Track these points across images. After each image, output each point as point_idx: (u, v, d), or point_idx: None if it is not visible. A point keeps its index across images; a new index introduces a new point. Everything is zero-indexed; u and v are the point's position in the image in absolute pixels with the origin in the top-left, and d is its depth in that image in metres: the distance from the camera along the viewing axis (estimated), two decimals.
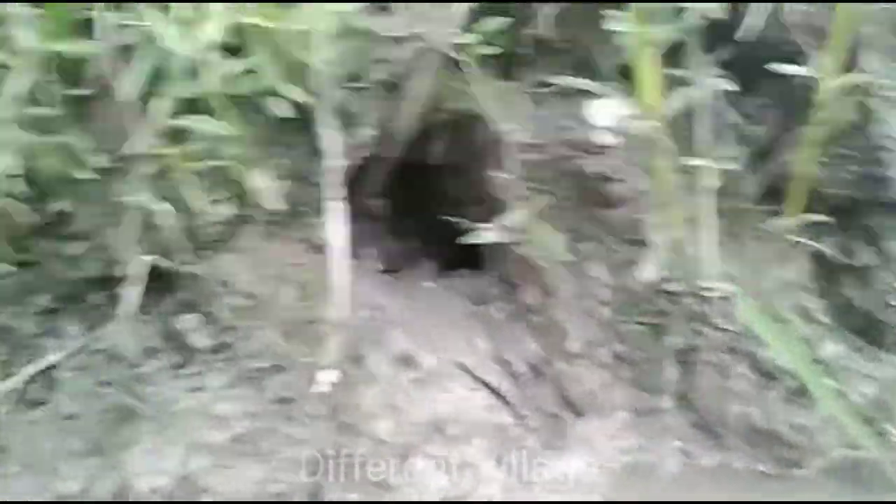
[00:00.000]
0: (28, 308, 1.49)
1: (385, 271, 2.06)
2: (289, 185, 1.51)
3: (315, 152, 1.55)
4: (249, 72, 1.24)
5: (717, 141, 1.63)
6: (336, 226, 1.31)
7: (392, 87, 1.53)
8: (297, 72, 1.27)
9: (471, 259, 2.06)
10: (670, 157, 1.36)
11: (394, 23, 1.46)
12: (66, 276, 1.45)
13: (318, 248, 1.60)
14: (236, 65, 1.20)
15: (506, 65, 1.66)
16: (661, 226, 1.61)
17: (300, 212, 1.58)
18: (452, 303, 1.97)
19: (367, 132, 1.52)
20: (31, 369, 1.33)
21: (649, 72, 1.16)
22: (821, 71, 1.21)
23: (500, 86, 1.66)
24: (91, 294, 1.49)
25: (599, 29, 1.59)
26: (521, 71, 1.67)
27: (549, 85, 1.66)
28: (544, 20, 1.47)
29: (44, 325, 1.51)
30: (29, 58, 1.15)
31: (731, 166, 1.53)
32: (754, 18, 1.33)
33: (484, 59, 1.53)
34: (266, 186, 1.32)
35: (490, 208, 1.91)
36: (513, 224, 1.44)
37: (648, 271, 1.34)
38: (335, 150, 1.33)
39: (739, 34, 1.36)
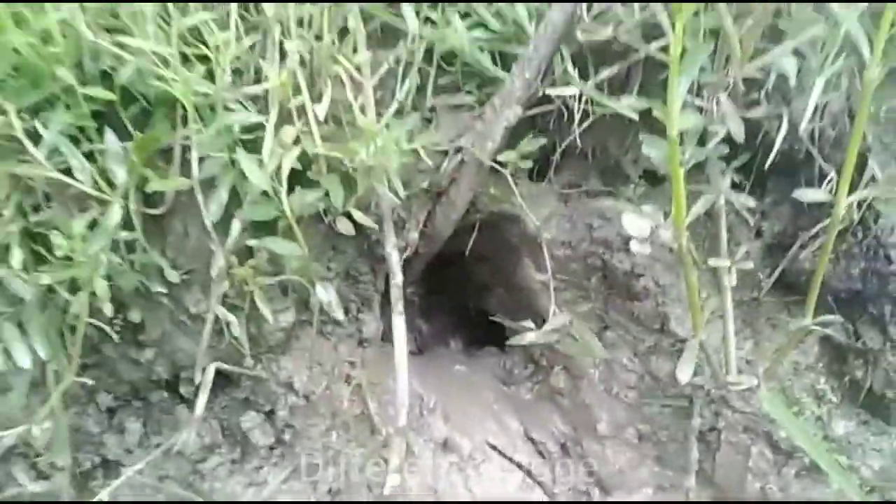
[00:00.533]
0: (92, 407, 1.56)
1: (416, 350, 2.16)
2: (339, 284, 1.61)
3: (361, 253, 1.65)
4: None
5: (734, 239, 1.77)
6: (400, 346, 1.40)
7: (435, 194, 1.64)
8: (362, 194, 1.37)
9: (494, 336, 2.17)
10: (693, 258, 1.47)
11: (439, 137, 1.57)
12: (129, 378, 1.52)
13: (366, 342, 1.71)
14: (310, 194, 1.30)
15: (539, 168, 1.78)
16: (687, 321, 1.74)
17: (349, 307, 1.68)
18: (483, 384, 2.06)
19: (413, 235, 1.62)
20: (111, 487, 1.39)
21: (679, 187, 1.27)
22: (837, 191, 1.33)
23: (533, 187, 1.78)
24: (152, 393, 1.56)
25: (625, 138, 1.73)
26: (552, 173, 1.78)
27: (579, 186, 1.79)
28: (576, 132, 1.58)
29: (106, 422, 1.57)
30: (120, 191, 1.24)
31: (748, 265, 1.65)
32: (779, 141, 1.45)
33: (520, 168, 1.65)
34: (330, 299, 1.40)
35: (516, 294, 2.03)
36: (555, 327, 1.53)
37: (685, 372, 1.45)
38: (399, 267, 1.43)
39: (769, 162, 1.48)
